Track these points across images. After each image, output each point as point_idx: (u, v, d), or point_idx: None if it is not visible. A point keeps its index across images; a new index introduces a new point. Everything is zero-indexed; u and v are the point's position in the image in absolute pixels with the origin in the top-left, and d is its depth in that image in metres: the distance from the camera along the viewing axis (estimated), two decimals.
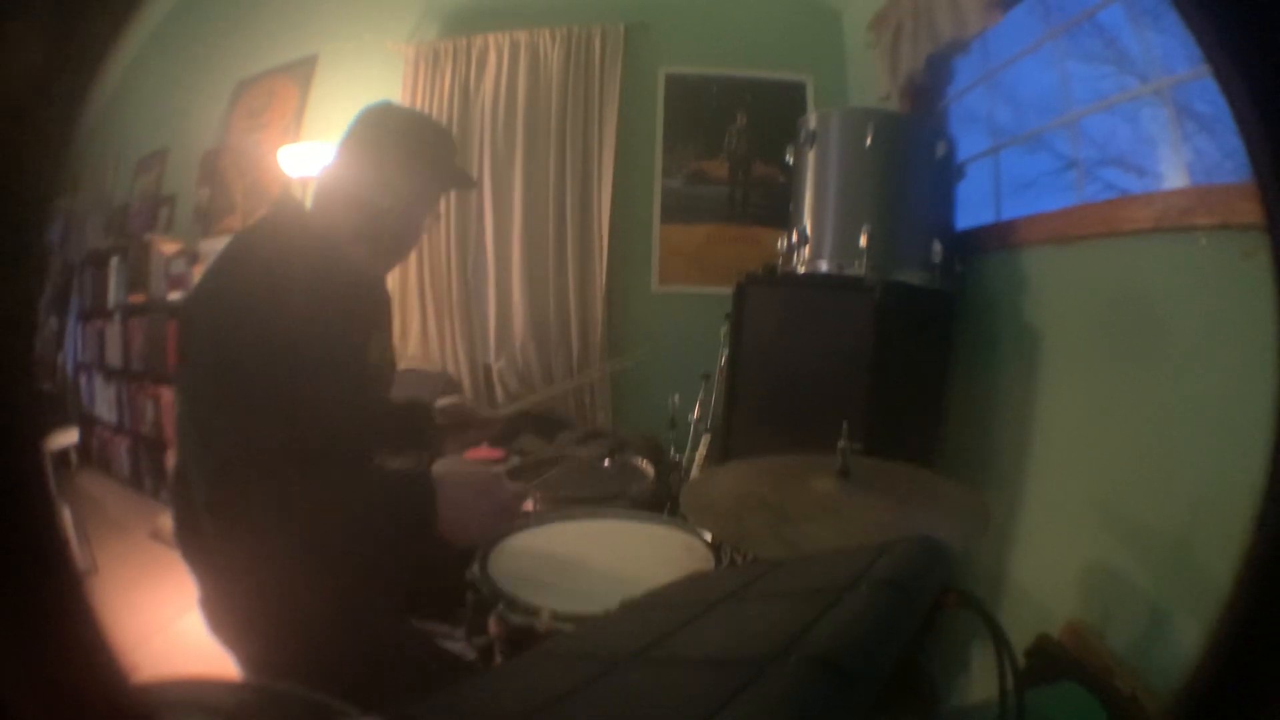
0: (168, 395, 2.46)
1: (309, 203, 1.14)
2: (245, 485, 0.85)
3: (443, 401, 1.38)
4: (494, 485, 1.03)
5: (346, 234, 1.09)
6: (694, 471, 1.94)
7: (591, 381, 2.62)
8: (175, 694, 0.63)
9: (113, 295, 2.63)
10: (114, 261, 2.63)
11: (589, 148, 2.66)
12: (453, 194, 2.47)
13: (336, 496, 0.92)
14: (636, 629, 0.58)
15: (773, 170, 2.62)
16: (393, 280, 2.66)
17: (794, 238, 1.76)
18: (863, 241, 1.63)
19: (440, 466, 1.43)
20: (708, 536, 1.15)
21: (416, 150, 1.13)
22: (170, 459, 2.40)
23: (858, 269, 1.64)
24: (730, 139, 2.72)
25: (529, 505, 1.41)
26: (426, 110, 2.64)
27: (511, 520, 1.02)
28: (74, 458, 2.47)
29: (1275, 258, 0.44)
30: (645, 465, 1.68)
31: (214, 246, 2.53)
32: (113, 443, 2.61)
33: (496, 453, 2.00)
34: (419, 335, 2.73)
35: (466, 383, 2.73)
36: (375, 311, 1.23)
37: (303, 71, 2.58)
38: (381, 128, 1.13)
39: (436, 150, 1.17)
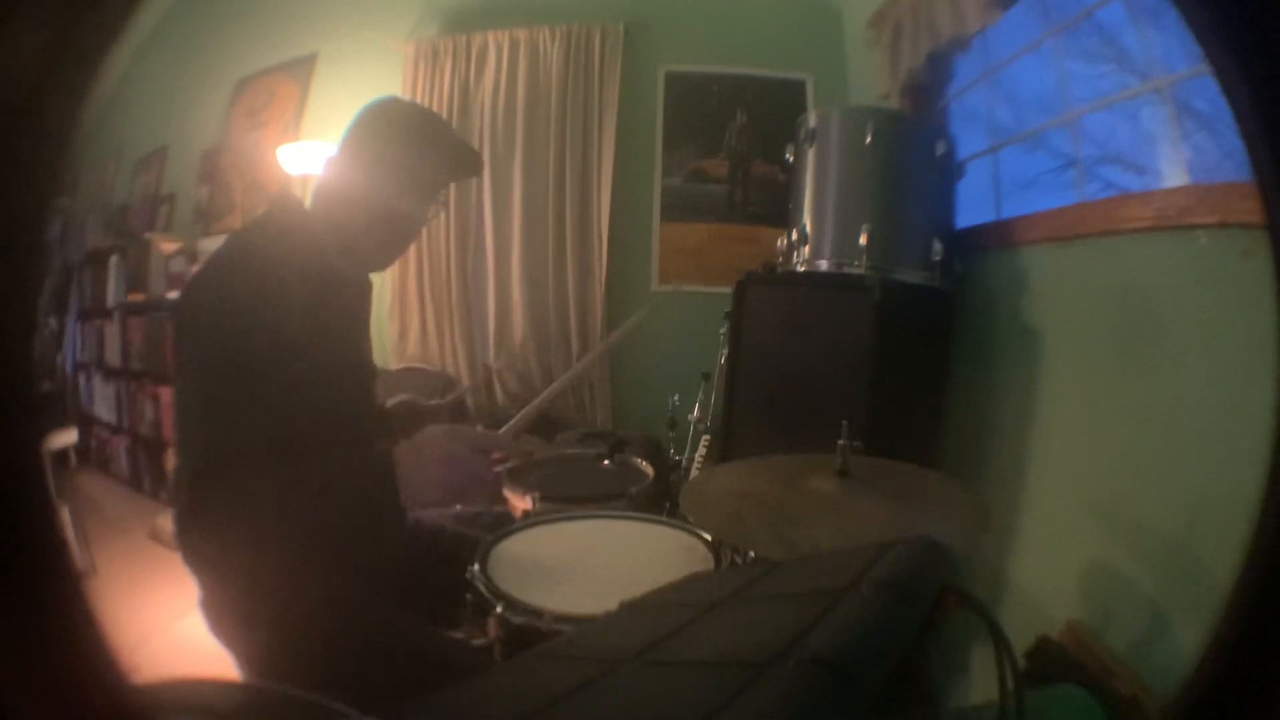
0: (167, 395, 2.46)
1: (309, 201, 1.14)
2: (224, 482, 0.85)
3: (393, 401, 1.37)
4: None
5: (347, 232, 1.09)
6: (694, 471, 1.94)
7: (592, 364, 2.58)
8: (175, 694, 0.63)
9: (112, 294, 2.62)
10: (113, 260, 2.63)
11: (589, 146, 2.65)
12: (453, 192, 2.46)
13: (308, 487, 0.92)
14: (636, 630, 0.58)
15: (773, 169, 2.62)
16: (392, 279, 2.69)
17: (794, 236, 1.76)
18: (863, 240, 1.63)
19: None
20: (708, 536, 1.15)
21: (411, 140, 1.12)
22: (169, 459, 2.40)
23: (858, 268, 1.64)
24: (730, 137, 2.72)
25: (529, 504, 1.41)
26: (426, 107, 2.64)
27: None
28: (73, 458, 2.47)
29: (1275, 256, 0.44)
30: (645, 465, 1.68)
31: (214, 245, 2.52)
32: (112, 443, 2.61)
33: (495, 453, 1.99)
34: (419, 335, 2.73)
35: (466, 382, 2.73)
36: (362, 309, 1.23)
37: (302, 70, 2.57)
38: (376, 123, 1.13)
39: (432, 138, 1.16)
